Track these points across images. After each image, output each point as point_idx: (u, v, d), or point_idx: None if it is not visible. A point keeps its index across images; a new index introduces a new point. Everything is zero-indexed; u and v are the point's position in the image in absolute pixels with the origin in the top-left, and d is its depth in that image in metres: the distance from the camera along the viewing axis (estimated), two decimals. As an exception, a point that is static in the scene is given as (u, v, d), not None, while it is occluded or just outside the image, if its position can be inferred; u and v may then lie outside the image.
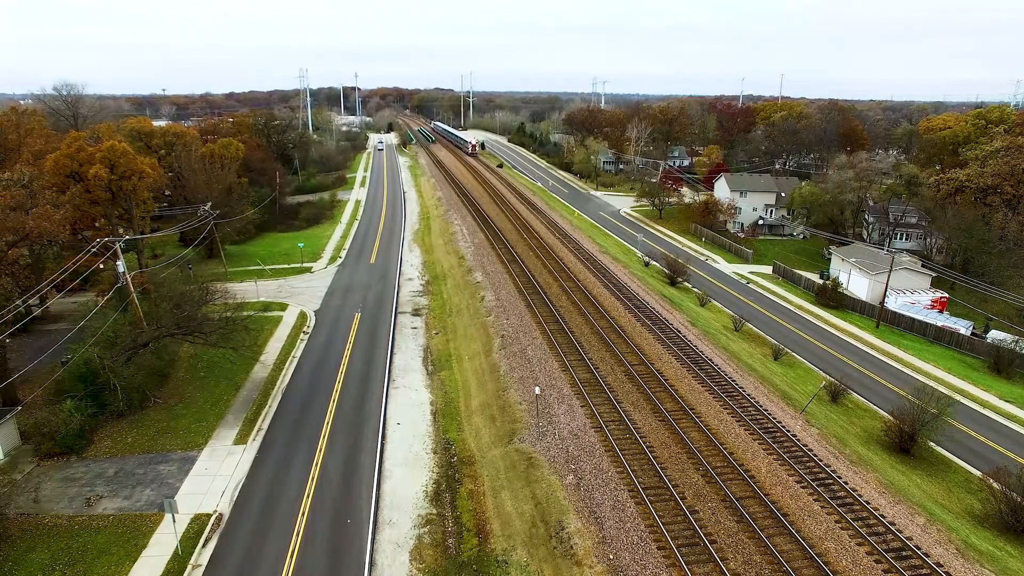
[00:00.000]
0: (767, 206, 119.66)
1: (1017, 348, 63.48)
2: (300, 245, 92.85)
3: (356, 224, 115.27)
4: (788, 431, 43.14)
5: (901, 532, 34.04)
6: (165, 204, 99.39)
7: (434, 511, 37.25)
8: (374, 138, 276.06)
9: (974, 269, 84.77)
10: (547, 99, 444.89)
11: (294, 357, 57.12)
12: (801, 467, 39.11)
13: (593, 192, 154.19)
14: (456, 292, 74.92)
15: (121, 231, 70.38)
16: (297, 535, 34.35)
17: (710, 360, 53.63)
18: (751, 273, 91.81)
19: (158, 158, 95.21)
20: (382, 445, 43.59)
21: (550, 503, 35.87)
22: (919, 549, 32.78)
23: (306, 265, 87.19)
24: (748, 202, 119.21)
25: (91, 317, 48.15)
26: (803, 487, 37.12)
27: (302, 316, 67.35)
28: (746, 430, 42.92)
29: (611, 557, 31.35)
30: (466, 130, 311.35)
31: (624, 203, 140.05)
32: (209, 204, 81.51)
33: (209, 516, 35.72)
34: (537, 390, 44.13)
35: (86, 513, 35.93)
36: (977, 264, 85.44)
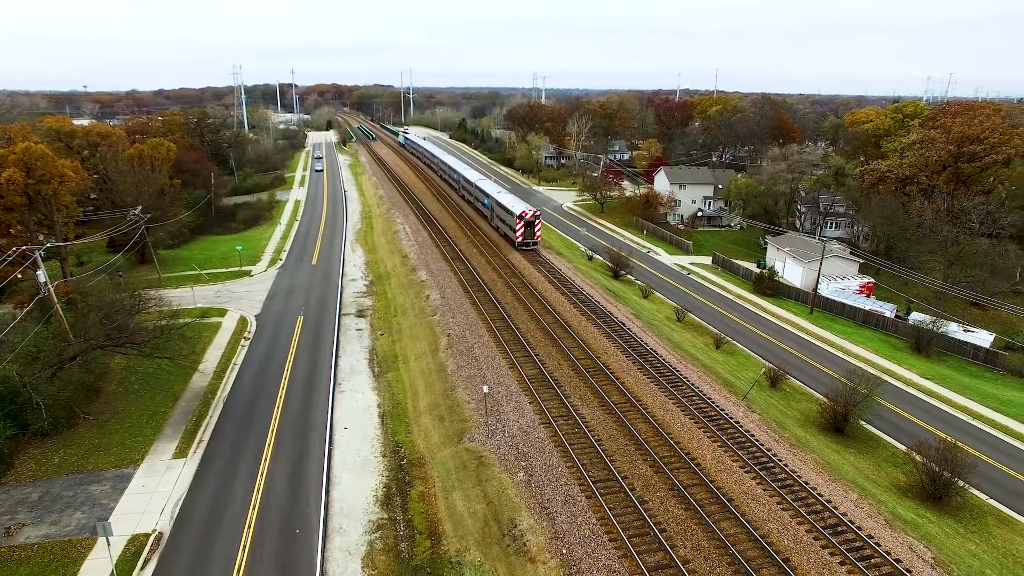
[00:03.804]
0: (705, 198, 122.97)
1: (934, 328, 67.26)
2: (238, 248, 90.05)
3: (296, 225, 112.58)
4: (731, 418, 44.50)
5: (836, 509, 35.63)
6: (91, 208, 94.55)
7: (385, 515, 36.85)
8: (313, 137, 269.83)
9: (896, 255, 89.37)
10: (488, 95, 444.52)
11: (235, 364, 55.38)
12: (744, 452, 40.41)
13: (536, 187, 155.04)
14: (401, 292, 74.12)
15: (41, 238, 66.56)
16: (243, 549, 33.35)
17: (654, 351, 54.78)
18: (692, 264, 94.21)
19: (81, 160, 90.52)
20: (330, 451, 42.82)
21: (502, 501, 35.95)
22: (852, 523, 34.41)
23: (245, 268, 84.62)
24: (687, 194, 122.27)
25: (9, 331, 45.33)
26: (746, 472, 38.37)
27: (242, 321, 65.34)
28: (691, 419, 44.05)
29: (564, 552, 31.67)
30: (407, 127, 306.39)
31: (566, 198, 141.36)
32: (139, 208, 78.07)
33: (148, 536, 34.23)
34: (485, 388, 44.11)
35: (5, 544, 33.62)
36: (898, 250, 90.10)
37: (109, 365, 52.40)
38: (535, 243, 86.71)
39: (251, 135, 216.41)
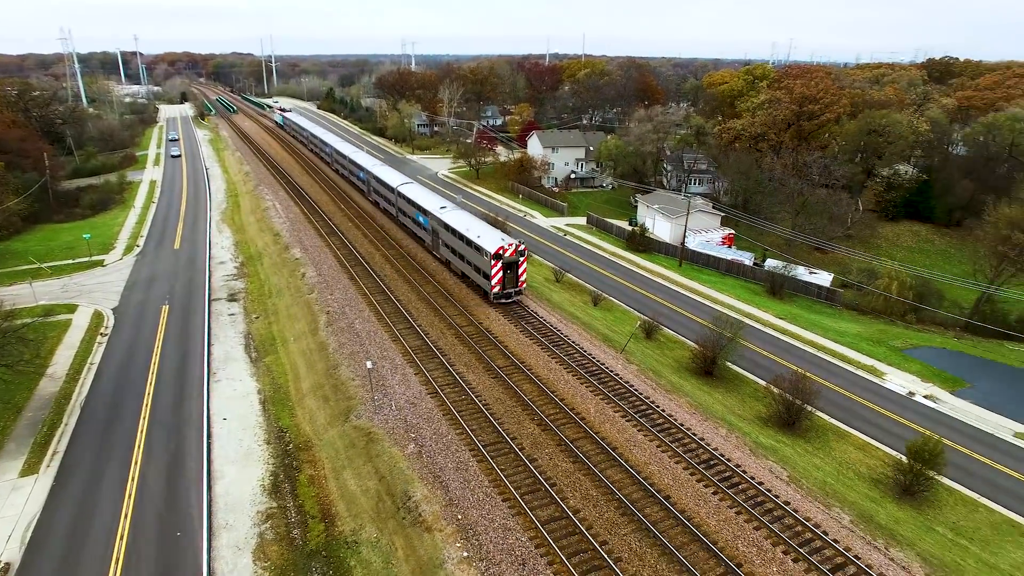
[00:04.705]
0: (578, 160, 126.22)
1: (786, 273, 73.93)
2: (86, 236, 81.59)
3: (153, 207, 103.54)
4: (611, 371, 46.79)
5: (708, 445, 38.77)
6: None
7: (274, 504, 35.67)
8: (166, 111, 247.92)
9: (752, 207, 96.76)
10: (356, 62, 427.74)
11: (92, 364, 50.63)
12: (625, 403, 42.76)
13: (410, 156, 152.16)
14: (274, 271, 70.69)
15: None
16: (116, 563, 30.97)
17: (535, 313, 56.16)
18: (567, 225, 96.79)
19: None
20: (209, 445, 40.60)
21: (394, 475, 35.85)
22: (723, 456, 37.65)
23: (96, 258, 76.96)
24: (560, 157, 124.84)
25: None
26: (628, 420, 40.68)
27: (97, 316, 59.65)
28: (574, 376, 45.84)
29: (459, 517, 32.21)
30: (277, 99, 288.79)
31: (441, 165, 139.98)
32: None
33: (-6, 567, 30.83)
34: (369, 364, 43.42)
35: None
36: (754, 203, 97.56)
37: (-67, 378, 46.21)
38: (519, 291, 59.28)
39: (91, 110, 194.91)
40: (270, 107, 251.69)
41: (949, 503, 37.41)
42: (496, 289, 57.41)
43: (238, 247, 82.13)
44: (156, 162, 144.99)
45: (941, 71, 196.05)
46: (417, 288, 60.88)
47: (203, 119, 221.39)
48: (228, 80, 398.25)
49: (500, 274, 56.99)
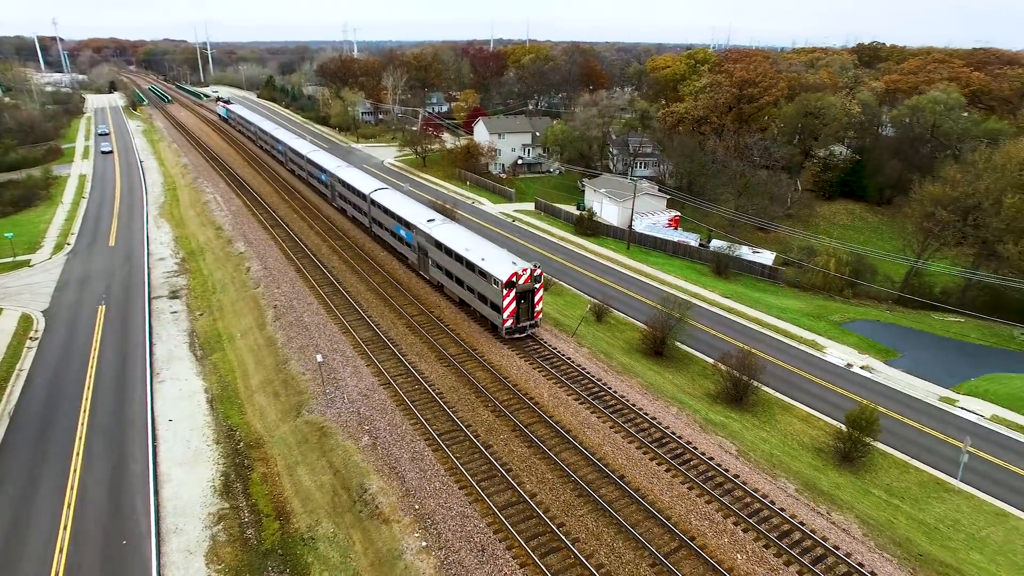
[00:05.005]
0: (524, 146, 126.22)
1: (730, 253, 75.96)
2: (7, 235, 77.20)
3: (84, 203, 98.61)
4: (563, 355, 47.23)
5: (660, 423, 39.65)
6: None
7: (226, 505, 34.84)
8: (93, 101, 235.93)
9: (696, 189, 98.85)
10: (296, 49, 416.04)
11: (20, 371, 48.12)
12: (578, 386, 43.29)
13: (355, 145, 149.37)
14: (218, 266, 68.55)
15: None
16: None
17: (488, 301, 56.11)
18: (516, 211, 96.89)
19: None
20: (154, 448, 39.25)
21: (349, 469, 35.48)
22: (675, 434, 38.58)
23: (21, 258, 72.96)
24: (506, 143, 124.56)
25: None
26: (581, 403, 41.22)
27: (25, 320, 56.66)
28: (526, 360, 46.10)
29: (417, 507, 32.15)
30: (217, 88, 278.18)
31: (387, 154, 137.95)
32: None
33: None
34: (319, 357, 42.72)
35: None
36: (698, 185, 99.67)
37: None
38: (535, 324, 49.98)
39: (7, 99, 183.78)
40: (207, 96, 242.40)
41: (883, 466, 39.42)
42: (509, 323, 47.74)
43: (178, 242, 79.23)
44: (85, 155, 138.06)
45: (870, 56, 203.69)
46: (366, 278, 60.05)
47: (135, 109, 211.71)
48: (161, 68, 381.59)
49: (514, 305, 47.27)
